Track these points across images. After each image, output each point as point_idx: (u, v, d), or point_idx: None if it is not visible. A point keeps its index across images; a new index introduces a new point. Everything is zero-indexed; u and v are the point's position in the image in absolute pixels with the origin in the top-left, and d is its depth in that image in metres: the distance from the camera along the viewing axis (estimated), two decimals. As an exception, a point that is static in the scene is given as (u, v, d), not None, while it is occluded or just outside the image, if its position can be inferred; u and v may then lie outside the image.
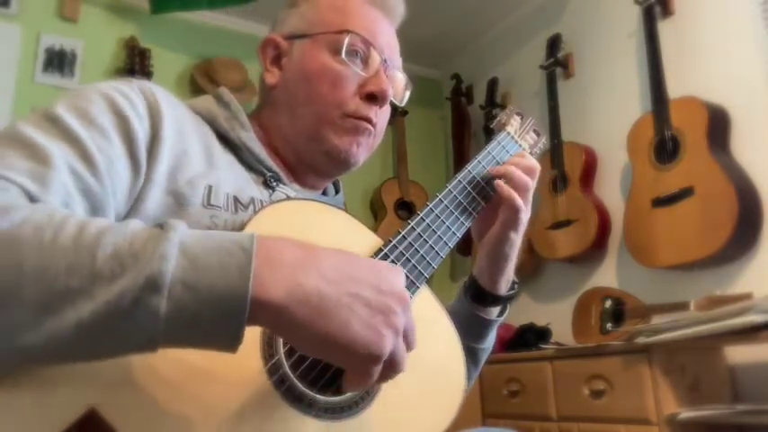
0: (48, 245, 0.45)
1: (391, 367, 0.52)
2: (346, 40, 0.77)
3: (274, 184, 0.76)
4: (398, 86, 0.86)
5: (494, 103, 2.96)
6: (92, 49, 2.57)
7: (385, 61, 0.80)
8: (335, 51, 0.77)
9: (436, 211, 0.76)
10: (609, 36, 2.50)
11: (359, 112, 0.78)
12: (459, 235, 0.77)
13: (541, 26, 2.81)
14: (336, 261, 0.52)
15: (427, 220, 0.74)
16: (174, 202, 0.64)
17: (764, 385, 1.80)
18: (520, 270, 2.87)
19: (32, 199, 0.51)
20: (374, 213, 3.10)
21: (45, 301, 0.43)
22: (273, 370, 0.56)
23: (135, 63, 2.53)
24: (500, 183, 0.80)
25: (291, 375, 0.57)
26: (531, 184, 0.82)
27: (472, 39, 3.23)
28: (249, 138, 0.76)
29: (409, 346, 0.54)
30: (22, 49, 2.44)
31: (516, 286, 0.90)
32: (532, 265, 2.64)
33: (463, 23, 3.08)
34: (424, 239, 0.72)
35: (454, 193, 0.79)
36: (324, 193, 0.89)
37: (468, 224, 0.79)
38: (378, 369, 0.51)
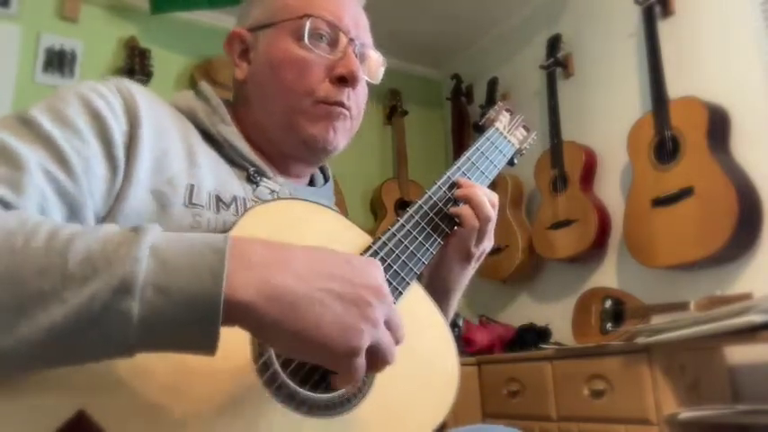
0: (20, 250, 0.44)
1: (378, 358, 0.52)
2: (307, 25, 0.75)
3: (258, 178, 0.75)
4: (372, 65, 0.83)
5: (494, 103, 2.95)
6: (92, 49, 2.57)
7: (352, 40, 0.77)
8: (298, 37, 0.75)
9: (426, 208, 0.78)
10: (609, 36, 2.51)
11: (330, 98, 0.76)
12: (449, 231, 0.79)
13: (541, 26, 2.81)
14: (309, 257, 0.51)
15: (416, 217, 0.76)
16: (157, 201, 0.64)
17: (764, 385, 1.80)
18: (520, 270, 2.89)
19: (7, 205, 0.51)
20: (374, 213, 3.10)
21: (16, 305, 0.43)
22: (263, 369, 0.56)
23: (135, 63, 2.53)
24: (457, 208, 0.79)
25: (282, 374, 0.57)
26: (494, 214, 0.81)
27: (472, 39, 3.23)
28: (230, 132, 0.75)
29: (396, 337, 0.54)
30: (22, 49, 2.44)
31: (456, 329, 0.89)
32: (532, 265, 2.64)
33: (463, 23, 3.08)
34: (415, 236, 0.74)
35: (444, 189, 0.81)
36: (312, 183, 0.88)
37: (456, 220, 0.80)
38: (360, 363, 0.50)
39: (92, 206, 0.59)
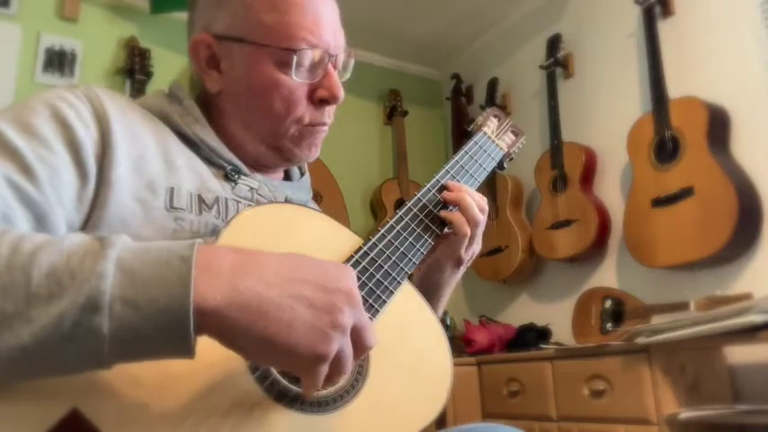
0: None
1: (335, 367, 0.51)
2: (294, 59, 0.72)
3: (236, 176, 0.75)
4: (342, 65, 0.81)
5: (494, 103, 2.96)
6: (92, 49, 2.57)
7: (330, 56, 0.76)
8: (282, 65, 0.73)
9: (415, 210, 0.79)
10: (609, 36, 2.50)
11: (314, 121, 0.76)
12: (439, 232, 0.80)
13: (541, 26, 2.81)
14: (278, 264, 0.50)
15: (406, 219, 0.77)
16: (139, 206, 0.64)
17: (764, 385, 1.80)
18: (520, 270, 2.90)
19: None
20: (374, 213, 3.10)
21: None
22: (256, 366, 0.56)
23: (135, 63, 2.53)
24: (447, 212, 0.79)
25: (274, 371, 0.57)
26: (483, 219, 0.81)
27: (472, 39, 3.23)
28: (206, 133, 0.75)
29: (363, 345, 0.53)
30: (22, 49, 2.44)
31: (446, 329, 0.89)
32: (532, 265, 2.64)
33: (463, 23, 3.08)
34: (405, 237, 0.75)
35: (434, 191, 0.82)
36: (288, 177, 0.88)
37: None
38: (325, 369, 0.50)
39: (62, 214, 0.59)
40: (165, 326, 0.44)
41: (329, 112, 0.79)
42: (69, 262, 0.45)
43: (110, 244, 0.46)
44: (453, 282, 0.86)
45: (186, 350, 0.46)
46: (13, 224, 0.54)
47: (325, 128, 0.79)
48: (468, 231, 0.79)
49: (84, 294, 0.43)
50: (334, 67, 0.77)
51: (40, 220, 0.57)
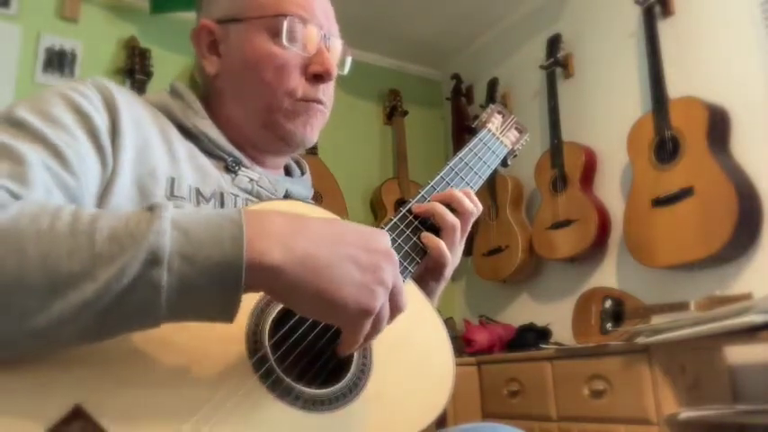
0: (46, 232, 0.46)
1: (375, 324, 0.54)
2: (284, 25, 0.75)
3: (236, 168, 0.77)
4: (337, 54, 0.83)
5: (494, 103, 2.95)
6: (92, 49, 2.57)
7: (324, 36, 0.79)
8: (274, 35, 0.76)
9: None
10: (609, 36, 2.51)
11: (308, 95, 0.77)
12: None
13: (541, 26, 2.81)
14: (323, 226, 0.55)
15: (410, 216, 0.76)
16: (139, 193, 0.65)
17: (764, 385, 1.80)
18: (520, 270, 2.90)
19: (16, 197, 0.52)
20: (374, 213, 3.10)
21: (50, 286, 0.44)
22: (259, 363, 0.56)
23: (135, 63, 2.53)
24: (427, 235, 0.75)
25: (277, 368, 0.57)
26: (459, 225, 0.76)
27: (472, 39, 3.23)
28: (206, 125, 0.77)
29: (397, 306, 0.56)
30: (22, 49, 2.44)
31: None
32: (532, 265, 2.64)
33: (463, 23, 3.08)
34: (409, 235, 0.74)
35: (437, 189, 0.81)
36: (288, 174, 0.89)
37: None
38: (368, 324, 0.53)
39: (89, 199, 0.61)
40: (219, 279, 0.47)
41: (324, 91, 0.79)
42: (128, 226, 0.47)
43: (162, 207, 0.49)
44: (442, 286, 0.82)
45: (231, 307, 0.49)
46: None
47: (322, 107, 0.79)
48: (447, 257, 0.76)
49: (144, 250, 0.46)
50: (328, 49, 0.79)
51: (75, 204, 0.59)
